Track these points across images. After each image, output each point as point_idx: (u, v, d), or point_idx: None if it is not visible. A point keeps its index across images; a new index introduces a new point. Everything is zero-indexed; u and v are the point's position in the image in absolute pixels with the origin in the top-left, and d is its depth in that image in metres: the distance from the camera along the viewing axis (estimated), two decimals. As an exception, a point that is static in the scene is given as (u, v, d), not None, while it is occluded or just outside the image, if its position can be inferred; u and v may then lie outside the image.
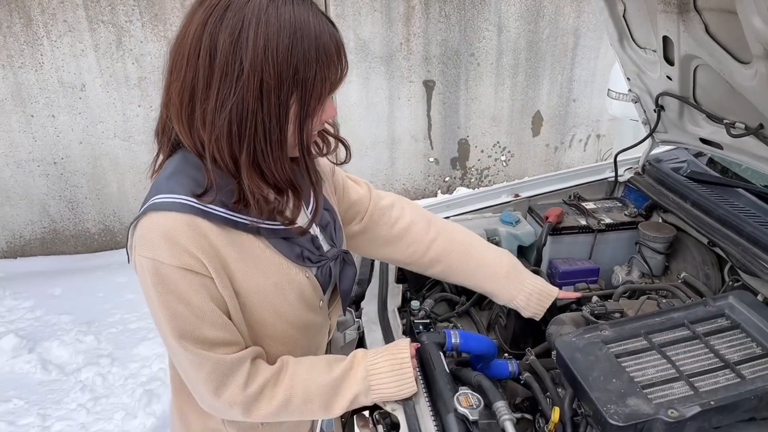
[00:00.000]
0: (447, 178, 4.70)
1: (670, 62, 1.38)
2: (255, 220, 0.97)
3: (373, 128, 4.34)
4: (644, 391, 1.02)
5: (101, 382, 2.67)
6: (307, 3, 0.89)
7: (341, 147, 1.14)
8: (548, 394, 1.21)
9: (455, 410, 1.03)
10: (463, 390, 1.07)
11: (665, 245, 1.51)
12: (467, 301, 1.58)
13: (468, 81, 4.41)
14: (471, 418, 1.02)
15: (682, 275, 1.50)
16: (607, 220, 1.62)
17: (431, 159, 4.60)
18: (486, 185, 4.81)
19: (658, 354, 1.10)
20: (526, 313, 1.34)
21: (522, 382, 1.29)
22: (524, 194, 1.79)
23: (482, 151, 4.70)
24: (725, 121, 1.33)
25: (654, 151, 1.77)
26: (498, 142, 4.71)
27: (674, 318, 1.18)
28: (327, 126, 1.10)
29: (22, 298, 3.31)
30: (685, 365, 1.08)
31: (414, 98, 4.35)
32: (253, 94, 0.85)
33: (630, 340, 1.15)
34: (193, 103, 0.87)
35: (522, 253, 1.71)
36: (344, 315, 1.41)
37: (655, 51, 1.43)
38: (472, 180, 4.77)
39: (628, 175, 1.78)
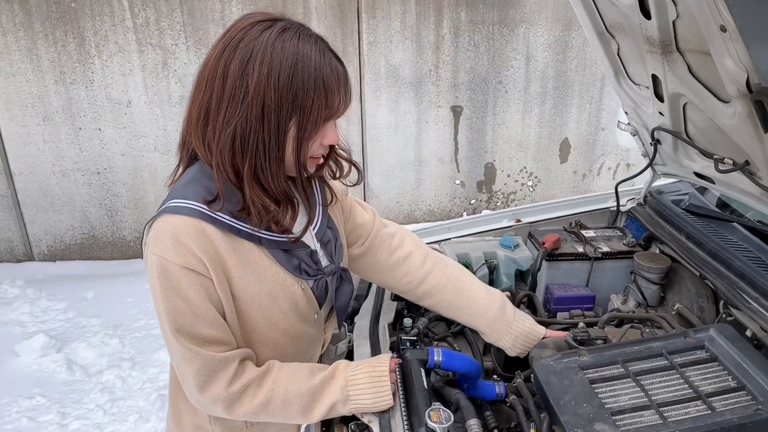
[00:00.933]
0: (473, 201, 4.74)
1: (661, 99, 1.42)
2: (257, 230, 1.07)
3: (401, 150, 4.44)
4: (613, 417, 1.05)
5: (120, 385, 2.80)
6: (312, 40, 1.01)
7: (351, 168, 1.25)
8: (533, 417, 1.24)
9: (426, 425, 1.08)
10: (435, 406, 1.11)
11: (660, 276, 1.52)
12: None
13: (495, 107, 4.47)
14: (439, 432, 1.06)
15: (676, 306, 1.51)
16: (605, 249, 1.65)
17: (457, 181, 4.65)
18: (511, 210, 4.81)
19: (633, 382, 1.13)
20: (511, 353, 1.38)
21: (508, 404, 1.32)
22: (526, 220, 1.83)
23: (509, 176, 4.72)
24: (715, 157, 1.36)
25: (657, 183, 1.79)
26: (525, 168, 4.72)
27: (653, 347, 1.20)
28: (340, 151, 1.21)
29: (57, 299, 3.50)
30: (657, 394, 1.10)
31: (441, 122, 4.43)
32: (255, 115, 0.97)
33: (607, 366, 1.17)
34: (206, 119, 1.00)
35: (520, 276, 1.74)
36: (339, 330, 1.48)
37: (648, 87, 1.47)
38: (498, 203, 4.79)
39: (630, 206, 1.80)
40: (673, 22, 1.24)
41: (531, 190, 4.79)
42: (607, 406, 1.07)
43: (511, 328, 1.35)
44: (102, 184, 4.03)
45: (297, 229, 1.13)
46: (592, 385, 1.12)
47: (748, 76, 1.08)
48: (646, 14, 1.29)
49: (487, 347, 1.62)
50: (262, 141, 0.98)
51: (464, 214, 4.73)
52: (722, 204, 1.79)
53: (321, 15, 3.97)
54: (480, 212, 4.73)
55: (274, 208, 1.05)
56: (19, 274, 3.81)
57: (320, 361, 1.41)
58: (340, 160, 1.21)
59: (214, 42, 1.02)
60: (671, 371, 1.14)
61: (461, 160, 4.58)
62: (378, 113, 4.29)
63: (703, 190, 1.81)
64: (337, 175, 1.23)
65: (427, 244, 1.73)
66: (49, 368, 2.94)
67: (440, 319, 1.66)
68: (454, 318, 1.41)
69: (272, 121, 0.97)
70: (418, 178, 4.57)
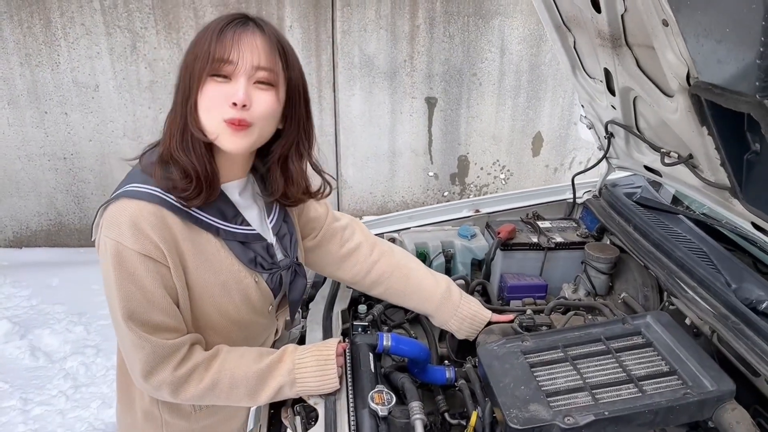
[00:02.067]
0: (446, 193, 4.77)
1: (613, 92, 1.45)
2: (216, 220, 1.07)
3: (374, 140, 4.44)
4: (548, 398, 1.09)
5: (84, 372, 2.78)
6: (233, 16, 1.02)
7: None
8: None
9: (368, 407, 1.10)
10: (379, 388, 1.14)
11: (608, 266, 1.56)
12: (417, 310, 1.64)
13: (470, 100, 4.50)
14: (381, 414, 1.09)
15: (622, 295, 1.55)
16: (558, 239, 1.69)
17: (431, 173, 4.68)
18: (484, 203, 4.86)
19: (570, 365, 1.16)
20: (459, 336, 1.42)
21: (457, 388, 1.36)
22: (484, 210, 1.86)
23: (482, 168, 4.76)
24: (662, 150, 1.40)
25: (612, 176, 1.83)
26: (498, 161, 4.77)
27: (592, 333, 1.24)
28: (317, 167, 1.23)
29: (21, 286, 3.45)
30: (592, 377, 1.14)
31: (416, 114, 4.44)
32: (176, 89, 1.04)
33: (547, 351, 1.21)
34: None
35: (477, 265, 1.77)
36: (292, 321, 1.49)
37: (602, 81, 1.50)
38: (471, 195, 4.83)
39: (586, 197, 1.85)
40: (622, 16, 1.26)
41: (503, 183, 4.84)
42: (543, 388, 1.11)
43: (456, 311, 1.38)
44: (69, 169, 3.96)
45: (264, 230, 1.14)
46: (532, 369, 1.16)
47: (688, 69, 1.11)
48: (597, 8, 1.31)
49: (443, 334, 1.66)
50: (175, 108, 1.04)
51: (437, 205, 4.76)
52: (677, 199, 1.85)
53: (294, 2, 3.94)
54: (452, 204, 4.77)
55: (192, 180, 1.03)
56: (-18, 261, 3.75)
57: (273, 345, 1.42)
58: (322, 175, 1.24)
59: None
60: (608, 355, 1.18)
61: (435, 152, 4.60)
62: (351, 103, 4.29)
63: (659, 185, 1.86)
64: (311, 191, 1.24)
65: (386, 233, 1.76)
66: (12, 354, 2.90)
67: (397, 306, 1.69)
68: (403, 304, 1.44)
69: (180, 89, 1.03)
70: (392, 170, 4.58)
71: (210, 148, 1.05)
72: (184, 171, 1.02)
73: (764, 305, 1.19)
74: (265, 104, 1.02)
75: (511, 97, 4.54)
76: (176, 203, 1.02)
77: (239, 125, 1.00)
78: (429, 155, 4.61)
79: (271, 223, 1.21)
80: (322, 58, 4.11)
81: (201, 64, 0.98)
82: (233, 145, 1.03)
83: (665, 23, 1.09)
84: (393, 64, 4.24)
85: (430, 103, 4.44)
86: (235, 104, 0.98)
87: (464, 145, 4.64)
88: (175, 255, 1.03)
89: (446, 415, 1.31)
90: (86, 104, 3.83)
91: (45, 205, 4.03)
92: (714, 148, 1.12)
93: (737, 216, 1.23)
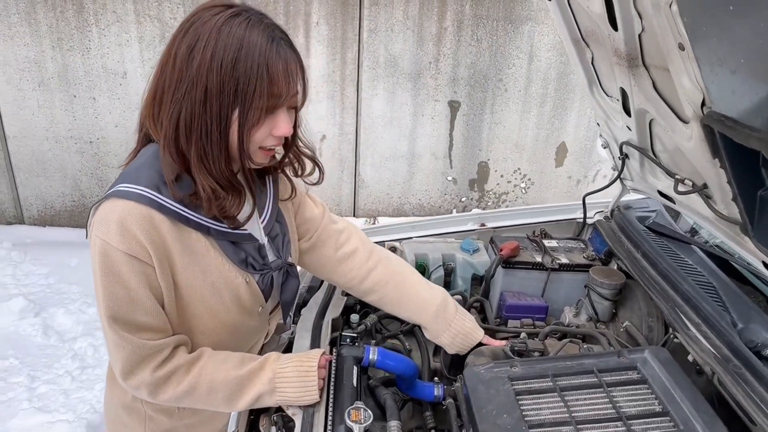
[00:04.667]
0: (463, 198, 4.72)
1: (628, 113, 1.39)
2: (207, 220, 1.06)
3: (394, 141, 4.42)
4: (530, 430, 1.05)
5: (92, 353, 2.83)
6: (262, 27, 0.99)
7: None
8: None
9: (345, 423, 1.08)
10: (358, 405, 1.12)
11: (613, 292, 1.51)
12: (413, 321, 1.61)
13: (494, 105, 4.43)
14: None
15: (625, 324, 1.50)
16: (563, 260, 1.63)
17: (449, 178, 4.63)
18: (503, 210, 4.80)
19: (558, 396, 1.12)
20: (450, 350, 1.39)
21: (444, 407, 1.33)
22: (490, 224, 1.81)
23: (502, 176, 4.69)
24: (676, 177, 1.34)
25: (627, 198, 1.77)
26: (519, 169, 4.69)
27: (585, 364, 1.19)
28: (304, 148, 1.19)
29: (40, 264, 3.53)
30: (580, 411, 1.09)
31: (438, 117, 4.40)
32: (198, 99, 0.97)
33: (536, 379, 1.17)
34: (160, 101, 1.00)
35: (478, 281, 1.73)
36: (285, 323, 1.48)
37: (618, 100, 1.44)
38: (489, 203, 4.77)
39: (597, 218, 1.79)
40: (639, 36, 1.21)
41: (523, 192, 4.76)
42: (527, 418, 1.07)
43: (450, 325, 1.35)
44: (94, 153, 4.04)
45: (241, 218, 1.12)
46: (517, 397, 1.12)
47: (703, 97, 1.06)
48: (614, 25, 1.26)
49: (437, 348, 1.63)
50: (205, 125, 0.98)
51: (454, 211, 4.71)
52: (695, 229, 1.77)
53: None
54: (470, 211, 4.71)
55: (223, 194, 1.04)
56: (8, 236, 3.84)
57: (263, 349, 1.41)
58: (303, 157, 1.21)
59: None
60: (599, 389, 1.13)
61: (455, 157, 4.55)
62: (374, 103, 4.26)
63: (678, 213, 1.79)
64: (299, 172, 1.22)
65: (387, 242, 1.73)
66: (25, 331, 2.97)
67: (392, 316, 1.66)
68: (397, 314, 1.41)
69: (214, 106, 0.97)
70: (410, 172, 4.55)
71: None
72: (213, 190, 1.02)
73: (769, 350, 1.13)
74: (291, 126, 1.06)
75: (537, 105, 4.46)
76: (165, 203, 1.01)
77: (273, 150, 1.06)
78: (449, 159, 4.56)
79: (262, 223, 1.19)
80: (347, 56, 4.09)
81: (257, 100, 0.97)
82: (260, 162, 1.08)
83: (681, 47, 1.04)
84: (418, 65, 4.20)
85: (453, 106, 4.38)
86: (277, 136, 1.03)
87: (485, 151, 4.57)
88: (162, 255, 1.02)
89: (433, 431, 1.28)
90: (114, 90, 3.90)
91: (70, 187, 4.11)
92: (726, 182, 1.07)
93: (749, 253, 1.17)
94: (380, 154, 4.43)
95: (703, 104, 1.07)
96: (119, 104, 3.94)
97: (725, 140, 0.99)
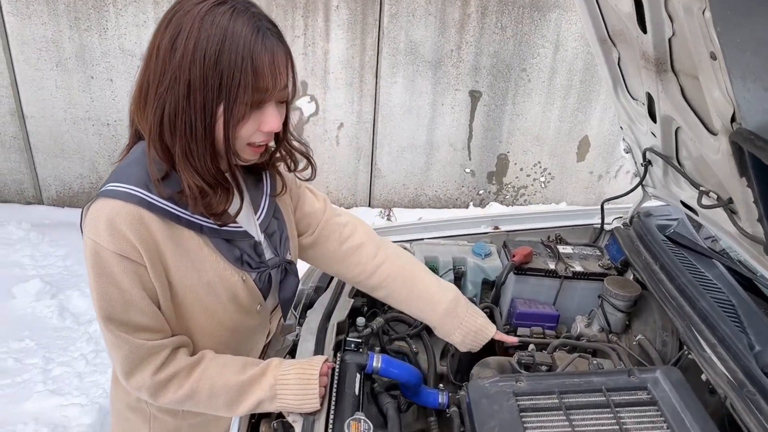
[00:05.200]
0: (481, 191, 4.65)
1: (654, 119, 1.33)
2: (199, 217, 1.03)
3: (413, 131, 4.35)
4: (533, 451, 1.02)
5: (106, 336, 2.86)
6: (248, 16, 0.94)
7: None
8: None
9: (344, 434, 1.06)
10: (358, 416, 1.09)
11: (627, 304, 1.45)
12: (420, 324, 1.58)
13: (516, 96, 4.33)
14: (354, 445, 1.04)
15: (638, 337, 1.45)
16: (577, 268, 1.58)
17: (467, 170, 4.56)
18: (521, 204, 4.72)
19: (564, 415, 1.09)
20: (462, 348, 1.36)
21: (448, 415, 1.30)
22: (504, 228, 1.77)
23: (521, 169, 4.61)
24: (701, 188, 1.28)
25: (647, 204, 1.70)
26: (539, 162, 4.60)
27: (594, 382, 1.15)
28: (295, 143, 1.16)
29: (58, 245, 3.57)
30: (586, 432, 1.06)
31: (458, 107, 4.32)
32: (182, 93, 0.92)
33: (542, 395, 1.14)
34: (144, 96, 0.96)
35: (490, 286, 1.69)
36: (284, 321, 1.46)
37: (644, 104, 1.38)
38: (507, 197, 4.69)
39: (615, 225, 1.73)
40: (669, 40, 1.14)
41: (543, 186, 4.68)
42: (530, 439, 1.04)
43: (461, 323, 1.32)
44: (112, 136, 4.05)
45: (251, 227, 1.10)
46: (521, 414, 1.09)
47: (734, 111, 1.00)
48: (644, 27, 1.20)
49: (444, 352, 1.60)
50: (189, 120, 0.94)
51: (471, 204, 4.65)
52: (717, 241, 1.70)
53: (343, -16, 3.86)
54: (488, 204, 4.65)
55: (210, 192, 1.00)
56: (27, 217, 3.89)
57: (265, 350, 1.40)
58: (293, 151, 1.17)
59: None
60: (606, 409, 1.10)
61: (474, 148, 4.48)
62: (392, 91, 4.20)
63: (701, 224, 1.72)
64: (291, 168, 1.19)
65: (397, 242, 1.69)
66: (41, 313, 3.00)
67: (400, 319, 1.63)
68: (406, 311, 1.38)
69: (198, 101, 0.93)
70: (428, 162, 4.49)
71: None
72: (199, 188, 0.99)
73: (788, 378, 1.08)
74: (281, 121, 1.01)
75: (561, 97, 4.35)
76: (155, 201, 0.99)
77: (262, 145, 1.02)
78: (467, 151, 4.49)
79: (258, 219, 1.16)
80: (367, 42, 4.02)
81: (242, 94, 0.93)
82: (248, 158, 1.03)
83: (713, 56, 0.97)
84: (439, 53, 4.12)
85: (474, 96, 4.30)
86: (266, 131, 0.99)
87: (505, 143, 4.49)
88: (154, 255, 0.99)
89: (436, 437, 1.26)
90: (131, 72, 3.88)
91: (87, 168, 4.14)
92: (753, 201, 1.01)
93: (773, 274, 1.11)
94: (398, 144, 4.38)
95: (733, 118, 1.00)
96: (137, 86, 3.93)
97: (754, 159, 0.93)
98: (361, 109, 4.22)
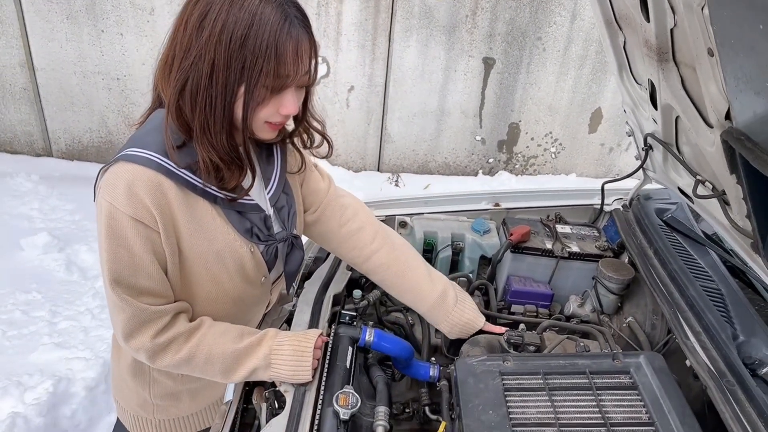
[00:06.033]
0: (491, 160, 4.63)
1: (655, 106, 1.32)
2: (214, 188, 1.07)
3: (424, 96, 4.31)
4: (513, 429, 1.06)
5: (113, 292, 2.93)
6: (276, 3, 0.96)
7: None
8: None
9: (333, 406, 1.11)
10: (346, 390, 1.14)
11: (620, 287, 1.48)
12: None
13: (530, 65, 4.26)
14: (342, 417, 1.09)
15: (628, 319, 1.48)
16: (574, 249, 1.60)
17: (478, 138, 4.53)
18: (531, 174, 4.70)
19: (546, 396, 1.13)
20: (451, 337, 1.41)
21: (438, 388, 1.35)
22: (504, 205, 1.78)
23: (532, 139, 4.57)
24: (697, 177, 1.28)
25: (648, 186, 1.70)
26: (550, 133, 4.55)
27: (578, 364, 1.19)
28: (314, 122, 1.18)
29: (67, 199, 3.62)
30: (566, 413, 1.10)
31: (471, 73, 4.26)
32: (205, 71, 0.96)
33: (527, 376, 1.17)
34: (169, 66, 0.99)
35: (487, 261, 1.72)
36: (287, 293, 1.50)
37: (647, 89, 1.37)
38: (517, 166, 4.67)
39: (615, 206, 1.73)
40: (671, 31, 1.13)
41: (553, 156, 4.64)
42: (512, 417, 1.08)
43: (449, 316, 1.36)
44: (121, 90, 4.05)
45: (240, 191, 1.13)
46: (506, 393, 1.13)
47: (728, 108, 0.99)
48: (647, 16, 1.18)
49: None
50: (210, 98, 0.97)
51: (480, 172, 4.64)
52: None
53: (358, -58, 3.76)
54: (497, 173, 4.63)
55: (223, 167, 1.04)
56: (36, 169, 3.93)
57: (264, 319, 1.44)
58: (311, 130, 1.19)
59: None
60: (588, 392, 1.13)
61: (485, 116, 4.43)
62: (405, 55, 4.14)
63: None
64: (308, 145, 1.21)
65: (398, 215, 1.72)
66: (49, 266, 3.04)
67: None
68: (397, 298, 1.42)
69: (220, 80, 0.96)
70: (438, 129, 4.46)
71: None
72: (213, 163, 1.02)
73: (765, 370, 1.10)
74: (299, 104, 1.06)
75: (575, 67, 4.27)
76: (174, 169, 1.02)
77: (280, 125, 1.06)
78: (479, 118, 4.44)
79: (269, 194, 1.19)
80: (381, 4, 3.94)
81: (263, 79, 0.96)
82: (266, 137, 1.08)
83: (710, 53, 0.97)
84: (454, 18, 4.03)
85: (488, 63, 4.23)
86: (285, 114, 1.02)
87: (517, 112, 4.44)
88: (168, 221, 1.03)
89: (427, 409, 1.31)
90: (141, 27, 3.86)
91: (97, 122, 4.17)
92: (742, 198, 1.01)
93: (759, 268, 1.12)
94: (408, 109, 4.34)
95: (728, 115, 1.00)
96: (146, 42, 3.91)
97: (744, 159, 0.93)
98: (372, 73, 4.17)
